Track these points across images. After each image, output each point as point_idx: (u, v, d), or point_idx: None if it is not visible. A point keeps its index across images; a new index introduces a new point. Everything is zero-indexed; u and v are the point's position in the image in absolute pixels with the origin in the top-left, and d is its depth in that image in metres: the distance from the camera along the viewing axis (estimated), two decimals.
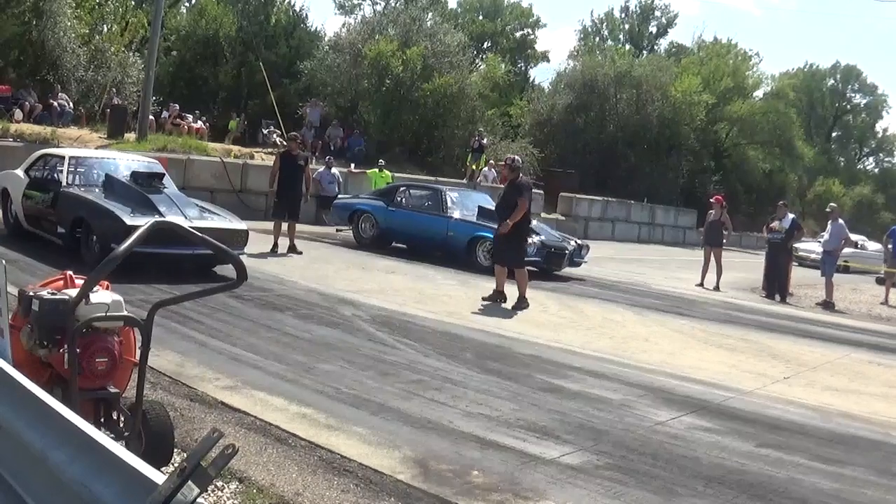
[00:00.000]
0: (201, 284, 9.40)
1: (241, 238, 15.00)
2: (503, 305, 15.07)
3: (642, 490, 6.57)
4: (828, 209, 24.41)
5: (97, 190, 15.45)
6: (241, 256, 14.15)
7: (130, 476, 2.82)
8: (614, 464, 7.10)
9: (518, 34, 70.64)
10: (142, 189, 15.20)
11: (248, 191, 26.85)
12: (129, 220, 13.39)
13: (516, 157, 17.15)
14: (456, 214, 21.33)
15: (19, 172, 17.24)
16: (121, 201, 14.50)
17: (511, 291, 15.36)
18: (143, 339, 5.17)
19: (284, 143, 34.41)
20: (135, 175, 15.76)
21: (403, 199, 22.68)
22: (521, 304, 15.02)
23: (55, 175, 16.23)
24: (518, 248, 15.58)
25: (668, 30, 69.17)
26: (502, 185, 35.47)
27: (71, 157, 16.50)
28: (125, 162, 16.92)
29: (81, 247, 14.43)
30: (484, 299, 15.20)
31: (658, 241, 44.25)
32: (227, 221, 15.39)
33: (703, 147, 54.23)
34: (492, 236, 17.13)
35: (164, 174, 16.64)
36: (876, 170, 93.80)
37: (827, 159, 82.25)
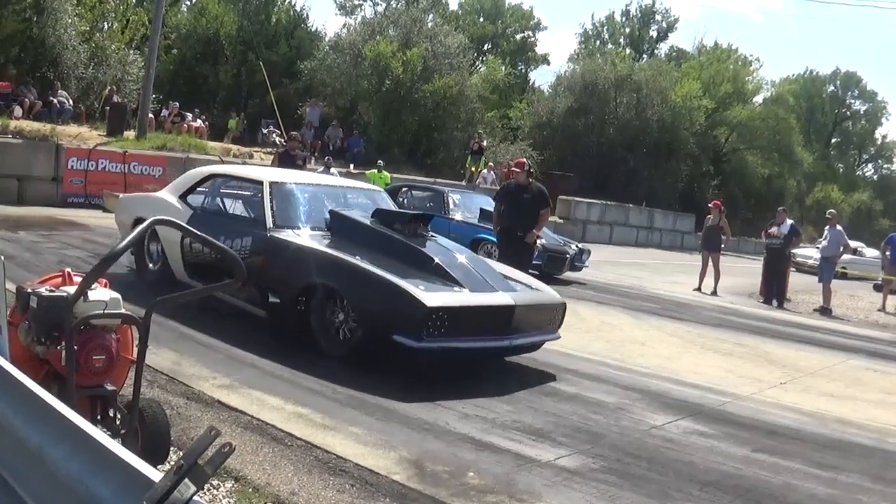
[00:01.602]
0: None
1: (559, 313, 10.93)
2: None
3: (637, 494, 6.59)
4: (827, 215, 24.44)
5: (324, 237, 10.65)
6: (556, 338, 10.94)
7: (127, 473, 2.82)
8: (610, 467, 7.12)
9: (519, 36, 70.68)
10: (408, 239, 10.61)
11: None
12: (429, 301, 8.96)
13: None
14: (458, 216, 20.80)
15: (170, 198, 12.43)
16: (384, 262, 9.73)
17: None
18: (141, 336, 5.17)
19: (284, 142, 34.53)
20: (381, 214, 11.18)
21: (405, 200, 21.89)
22: None
23: (249, 210, 11.89)
24: (532, 254, 15.46)
25: (669, 34, 69.23)
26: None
27: (272, 184, 11.27)
28: (349, 192, 12.55)
29: (315, 329, 9.83)
30: None
31: (656, 245, 44.24)
32: (544, 295, 10.94)
33: (702, 152, 54.21)
34: (494, 239, 16.69)
35: (431, 215, 12.43)
36: (875, 176, 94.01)
37: (826, 165, 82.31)
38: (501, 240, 15.44)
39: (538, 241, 18.07)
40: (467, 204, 21.67)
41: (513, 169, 16.02)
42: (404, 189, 23.20)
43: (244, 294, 10.40)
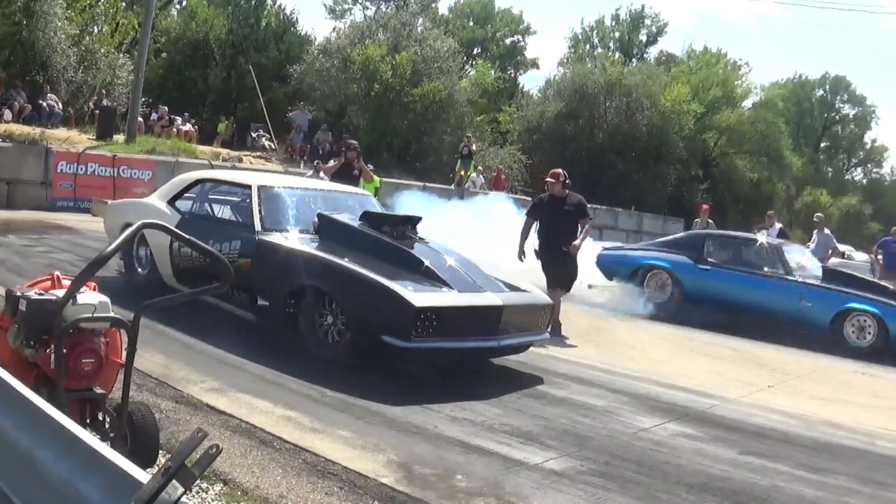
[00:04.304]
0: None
1: (547, 314, 11.18)
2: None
3: (625, 496, 6.61)
4: (815, 219, 24.49)
5: (313, 240, 10.65)
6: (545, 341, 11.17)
7: (116, 475, 2.84)
8: (598, 470, 7.14)
9: (508, 41, 70.70)
10: (396, 241, 10.66)
11: None
12: (418, 301, 9.04)
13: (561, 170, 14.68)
14: (804, 277, 16.84)
15: (159, 203, 12.36)
16: (372, 264, 9.74)
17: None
18: (130, 340, 5.18)
19: (274, 146, 34.43)
20: (369, 217, 11.17)
21: (715, 254, 17.88)
22: (557, 329, 13.29)
23: (237, 214, 11.77)
24: (575, 270, 14.04)
25: (659, 38, 69.09)
26: (496, 192, 35.52)
27: (261, 188, 11.30)
28: (337, 195, 12.54)
29: (304, 331, 9.86)
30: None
31: None
32: (532, 296, 10.94)
33: (691, 156, 54.21)
34: (870, 308, 15.46)
35: (419, 217, 11.78)
36: (864, 180, 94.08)
37: (815, 169, 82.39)
38: (545, 258, 13.90)
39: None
40: (799, 260, 17.95)
41: (547, 180, 14.58)
42: (709, 239, 18.66)
43: (233, 297, 10.33)
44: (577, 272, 14.00)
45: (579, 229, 13.76)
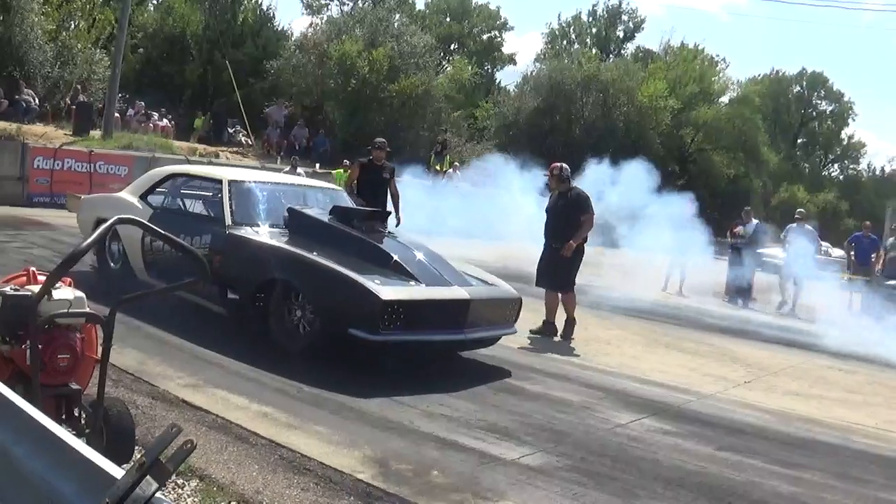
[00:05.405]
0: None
1: (515, 308, 11.06)
2: (555, 339, 13.22)
3: (601, 492, 6.62)
4: (797, 214, 24.45)
5: (283, 235, 10.69)
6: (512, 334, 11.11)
7: (90, 471, 2.83)
8: (574, 465, 7.15)
9: (485, 36, 70.63)
10: (365, 235, 10.72)
11: None
12: (385, 294, 9.14)
13: (564, 164, 14.21)
14: None
15: (131, 198, 12.39)
16: (340, 258, 9.80)
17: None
18: (105, 335, 5.16)
19: (250, 142, 34.32)
20: (338, 212, 11.27)
21: None
22: (571, 329, 13.35)
23: (208, 208, 11.69)
24: (574, 270, 13.43)
25: (636, 34, 69.12)
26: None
27: (231, 182, 11.37)
28: (307, 191, 12.51)
29: (273, 324, 9.96)
30: (532, 332, 13.05)
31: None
32: (500, 290, 10.94)
33: (668, 152, 54.25)
34: None
35: (388, 213, 12.52)
36: (841, 177, 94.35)
37: (792, 165, 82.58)
38: (542, 255, 13.67)
39: None
40: None
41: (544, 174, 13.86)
42: None
43: (204, 291, 10.31)
44: (567, 271, 13.33)
45: (580, 226, 13.35)
